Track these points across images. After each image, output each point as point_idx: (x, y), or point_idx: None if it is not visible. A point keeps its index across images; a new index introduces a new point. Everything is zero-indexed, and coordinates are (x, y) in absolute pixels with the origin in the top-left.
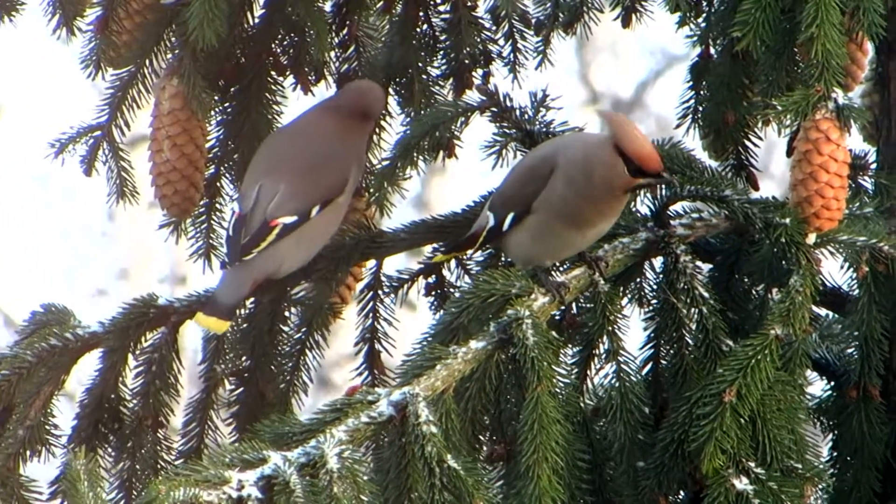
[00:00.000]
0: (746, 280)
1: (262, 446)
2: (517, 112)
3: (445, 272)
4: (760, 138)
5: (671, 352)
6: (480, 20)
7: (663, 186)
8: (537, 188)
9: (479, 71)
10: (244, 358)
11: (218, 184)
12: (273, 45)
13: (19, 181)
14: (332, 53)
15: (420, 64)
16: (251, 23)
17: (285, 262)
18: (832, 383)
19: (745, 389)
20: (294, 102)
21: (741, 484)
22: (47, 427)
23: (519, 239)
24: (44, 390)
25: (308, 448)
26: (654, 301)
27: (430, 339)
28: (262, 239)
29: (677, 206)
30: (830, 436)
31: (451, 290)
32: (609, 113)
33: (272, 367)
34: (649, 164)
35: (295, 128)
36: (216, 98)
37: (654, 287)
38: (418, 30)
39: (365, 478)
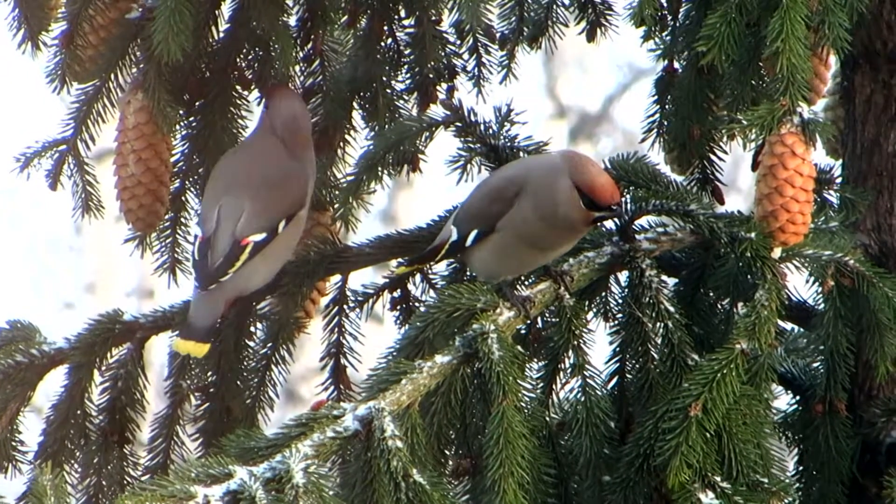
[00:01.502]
0: (712, 294)
1: (228, 461)
2: (482, 127)
3: (411, 286)
4: (726, 152)
5: (637, 366)
6: (445, 34)
7: (628, 199)
8: (502, 208)
9: (444, 85)
10: (210, 373)
11: (183, 198)
12: (238, 60)
13: None
14: (297, 67)
15: (384, 78)
16: (216, 37)
17: (253, 278)
18: (798, 397)
19: (710, 404)
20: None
21: (707, 498)
22: (14, 443)
23: (482, 255)
24: (10, 407)
25: (274, 463)
26: (620, 315)
27: (395, 353)
28: (235, 259)
29: (643, 221)
30: (796, 450)
31: (417, 304)
32: (565, 151)
33: (238, 383)
34: (602, 196)
35: (244, 149)
36: (181, 112)
37: (620, 301)
38: (383, 44)
39: (331, 493)
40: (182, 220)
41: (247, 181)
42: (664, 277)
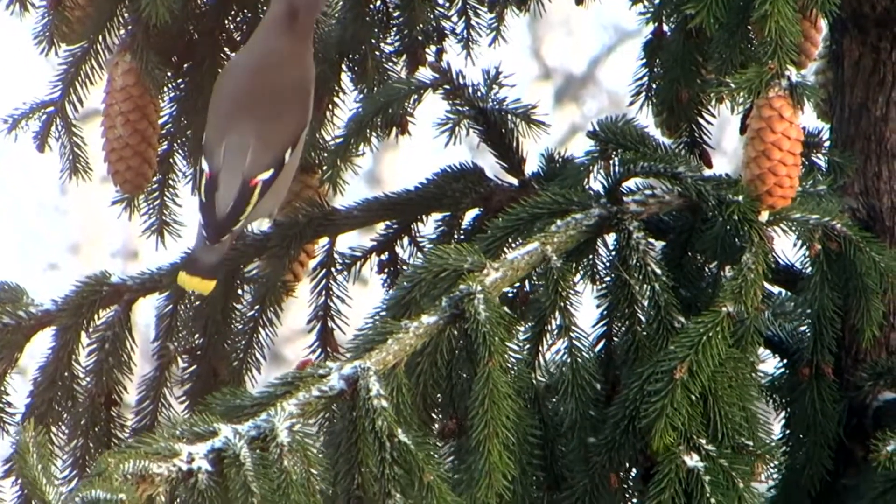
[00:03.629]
0: (699, 257)
1: (213, 419)
2: (470, 89)
3: (398, 249)
4: (714, 115)
5: (623, 328)
6: None
7: (616, 162)
8: None
9: (433, 48)
10: (197, 336)
11: (171, 160)
12: (226, 22)
13: None
14: None
15: (373, 40)
16: None
17: (260, 214)
18: (785, 361)
19: (696, 366)
20: None
21: (692, 460)
22: (1, 405)
23: None
24: None
25: (258, 421)
26: (607, 278)
27: (382, 313)
28: (245, 203)
29: (630, 183)
30: (783, 413)
31: (405, 267)
32: None
33: (225, 345)
34: None
35: (248, 61)
36: (169, 74)
37: (607, 264)
38: (372, 6)
39: (315, 451)
40: (170, 182)
41: (251, 109)
42: (651, 240)
